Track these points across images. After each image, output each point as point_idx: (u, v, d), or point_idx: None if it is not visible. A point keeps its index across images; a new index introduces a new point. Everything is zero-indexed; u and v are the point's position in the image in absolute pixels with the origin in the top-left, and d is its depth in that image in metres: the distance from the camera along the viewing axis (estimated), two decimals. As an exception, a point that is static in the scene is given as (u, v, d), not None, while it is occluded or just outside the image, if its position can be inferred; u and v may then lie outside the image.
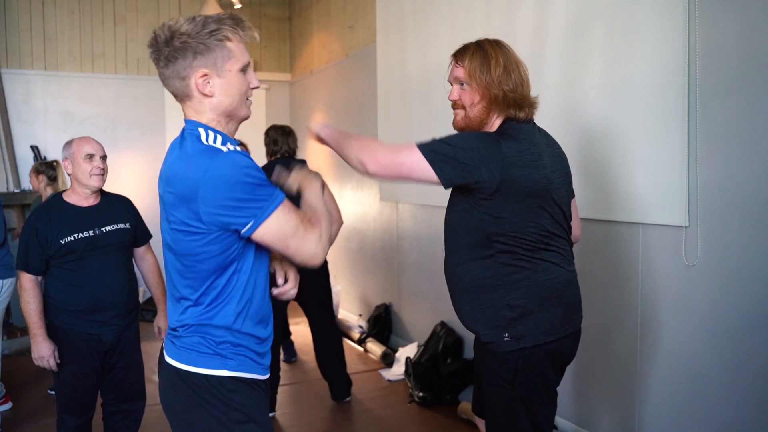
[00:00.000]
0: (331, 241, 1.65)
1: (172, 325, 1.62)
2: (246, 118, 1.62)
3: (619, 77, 2.73)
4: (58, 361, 2.66)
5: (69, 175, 2.71)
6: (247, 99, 1.59)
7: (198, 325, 1.56)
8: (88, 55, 6.65)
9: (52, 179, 4.51)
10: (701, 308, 2.48)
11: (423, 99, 4.37)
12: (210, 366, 1.55)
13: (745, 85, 2.27)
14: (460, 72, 1.95)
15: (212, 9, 5.89)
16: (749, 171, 2.27)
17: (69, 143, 2.74)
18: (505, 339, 1.88)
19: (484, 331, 1.92)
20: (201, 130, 1.52)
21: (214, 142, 1.50)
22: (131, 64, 6.78)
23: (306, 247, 1.51)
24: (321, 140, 2.00)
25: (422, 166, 1.81)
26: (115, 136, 6.59)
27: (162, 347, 1.67)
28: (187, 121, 1.57)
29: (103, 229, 2.70)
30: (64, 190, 2.78)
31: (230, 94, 1.53)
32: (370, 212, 5.43)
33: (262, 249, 1.59)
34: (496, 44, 1.95)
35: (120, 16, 6.74)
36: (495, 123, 1.95)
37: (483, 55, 1.91)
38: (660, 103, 2.56)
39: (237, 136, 1.67)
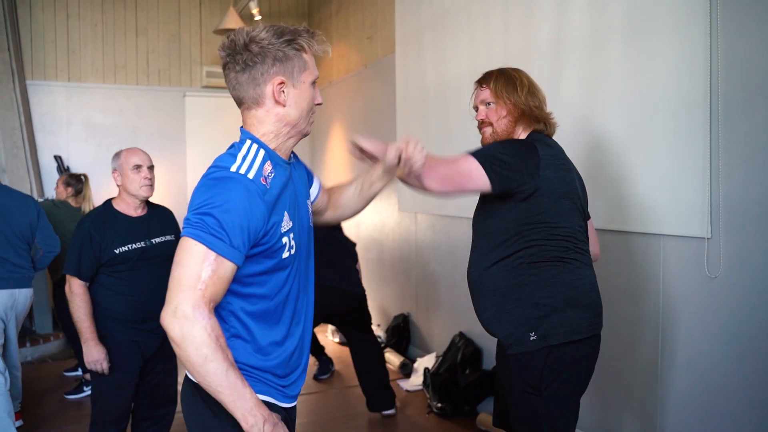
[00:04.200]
0: None
1: None
2: (306, 135, 1.60)
3: (640, 88, 2.71)
4: (110, 364, 2.67)
5: (118, 186, 2.76)
6: (311, 114, 1.57)
7: None
8: (110, 67, 6.75)
9: (78, 192, 4.71)
10: (723, 320, 2.45)
11: (441, 110, 4.37)
12: None
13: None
14: (486, 93, 2.05)
15: (233, 21, 5.95)
16: (773, 181, 2.24)
17: (117, 155, 2.80)
18: (531, 338, 1.89)
19: (510, 331, 1.92)
20: (245, 147, 1.48)
21: (252, 163, 1.45)
22: (152, 75, 6.87)
23: (172, 299, 1.32)
24: (361, 152, 1.85)
25: (479, 173, 1.85)
26: (136, 145, 6.57)
27: None
28: (242, 130, 1.55)
29: (153, 240, 2.75)
30: (112, 198, 2.80)
31: (300, 107, 1.52)
32: (388, 222, 5.43)
33: (261, 282, 1.49)
34: (516, 69, 2.09)
35: (141, 29, 6.84)
36: (521, 136, 2.05)
37: (507, 77, 2.04)
38: (682, 114, 2.54)
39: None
